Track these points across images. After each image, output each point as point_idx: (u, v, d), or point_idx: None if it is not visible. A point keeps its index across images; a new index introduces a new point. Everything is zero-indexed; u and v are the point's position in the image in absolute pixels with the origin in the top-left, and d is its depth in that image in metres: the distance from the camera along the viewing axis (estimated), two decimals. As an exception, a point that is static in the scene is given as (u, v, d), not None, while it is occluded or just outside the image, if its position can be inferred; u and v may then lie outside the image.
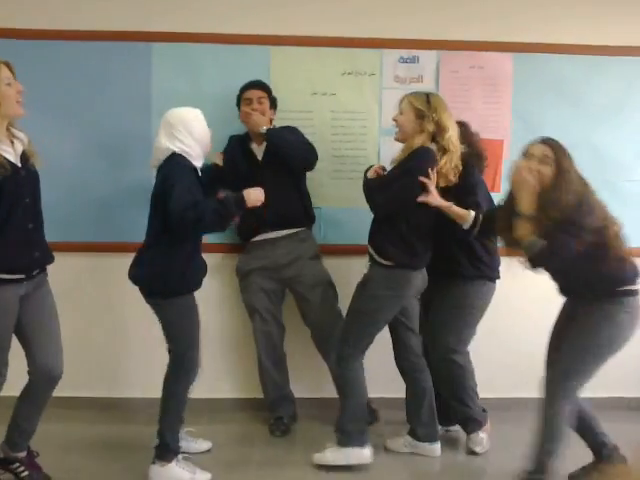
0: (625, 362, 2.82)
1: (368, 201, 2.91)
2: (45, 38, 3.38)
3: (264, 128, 3.16)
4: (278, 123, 3.38)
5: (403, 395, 3.15)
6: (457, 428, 3.28)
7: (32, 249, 2.52)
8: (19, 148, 2.49)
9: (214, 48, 3.44)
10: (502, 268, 3.12)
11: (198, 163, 2.78)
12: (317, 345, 3.35)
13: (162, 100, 3.35)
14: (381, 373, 3.22)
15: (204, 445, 3.11)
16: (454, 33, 3.50)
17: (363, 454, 2.93)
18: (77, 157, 3.43)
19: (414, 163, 2.80)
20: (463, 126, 3.04)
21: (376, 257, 2.87)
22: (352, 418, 2.92)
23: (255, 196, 2.74)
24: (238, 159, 3.29)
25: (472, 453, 3.12)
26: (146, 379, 3.25)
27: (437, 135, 2.82)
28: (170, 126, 2.72)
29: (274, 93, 3.34)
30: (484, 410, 3.18)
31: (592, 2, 3.54)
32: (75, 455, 3.02)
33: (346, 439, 2.92)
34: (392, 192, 2.81)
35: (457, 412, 3.15)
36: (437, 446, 3.09)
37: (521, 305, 3.56)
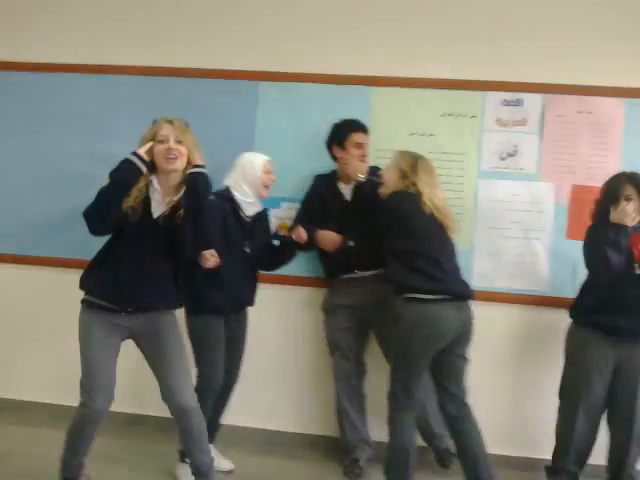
0: None
1: None
2: (166, 75, 3.62)
3: (362, 177, 3.16)
4: (374, 162, 3.39)
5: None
6: None
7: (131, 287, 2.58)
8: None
9: (317, 88, 3.52)
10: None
11: (249, 199, 3.05)
12: None
13: (265, 138, 3.50)
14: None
15: (226, 465, 3.15)
16: (561, 76, 3.40)
17: None
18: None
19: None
20: None
21: None
22: (388, 467, 2.90)
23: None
24: (328, 198, 3.33)
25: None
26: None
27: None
28: (233, 165, 3.10)
29: (373, 132, 3.36)
30: None
31: None
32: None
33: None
34: None
35: None
36: None
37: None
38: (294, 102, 3.55)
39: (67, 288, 3.63)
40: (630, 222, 2.88)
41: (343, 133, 3.30)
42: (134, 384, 3.33)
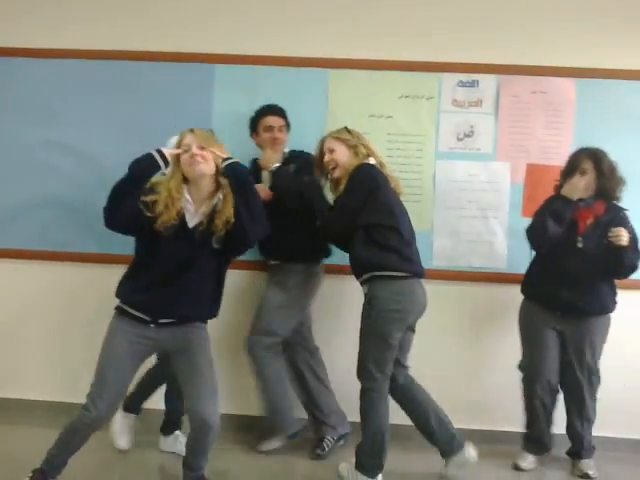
0: None
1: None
2: (118, 59, 3.53)
3: (274, 166, 3.15)
4: None
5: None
6: None
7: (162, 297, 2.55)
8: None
9: (273, 70, 3.49)
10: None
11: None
12: None
13: (222, 121, 3.45)
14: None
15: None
16: (515, 57, 3.46)
17: None
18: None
19: (356, 178, 2.86)
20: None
21: None
22: (368, 452, 2.86)
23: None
24: None
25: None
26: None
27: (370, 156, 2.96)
28: None
29: (332, 115, 3.38)
30: None
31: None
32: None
33: (360, 468, 2.88)
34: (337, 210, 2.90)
35: None
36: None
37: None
38: (251, 85, 3.51)
39: (23, 280, 3.62)
40: (577, 195, 2.99)
41: (256, 119, 3.29)
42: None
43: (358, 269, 2.90)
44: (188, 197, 2.56)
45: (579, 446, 3.19)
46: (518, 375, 3.22)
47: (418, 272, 2.87)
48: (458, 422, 3.05)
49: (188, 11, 3.53)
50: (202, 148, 2.53)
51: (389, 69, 3.50)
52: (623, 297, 3.16)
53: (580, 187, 3.00)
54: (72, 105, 3.55)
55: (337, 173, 2.96)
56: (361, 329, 2.85)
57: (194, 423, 2.57)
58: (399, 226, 2.84)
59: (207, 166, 2.53)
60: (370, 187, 2.84)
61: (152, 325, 2.56)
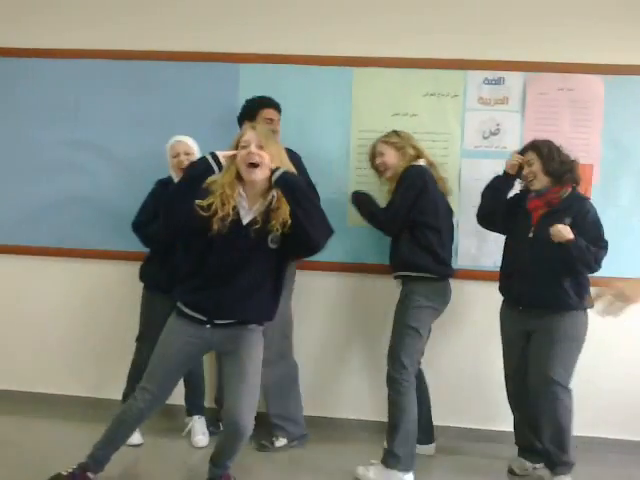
0: None
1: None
2: (142, 59, 3.57)
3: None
4: (358, 142, 3.46)
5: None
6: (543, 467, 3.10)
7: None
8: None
9: (298, 69, 3.49)
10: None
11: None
12: None
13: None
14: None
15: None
16: (542, 54, 3.41)
17: (406, 479, 2.92)
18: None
19: (407, 179, 3.02)
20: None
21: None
22: (403, 442, 2.92)
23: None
24: None
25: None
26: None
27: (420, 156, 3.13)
28: None
29: (356, 113, 3.37)
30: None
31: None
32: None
33: (394, 461, 2.92)
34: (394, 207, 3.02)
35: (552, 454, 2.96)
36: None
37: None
38: (276, 84, 3.50)
39: (49, 277, 3.68)
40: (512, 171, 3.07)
41: (254, 108, 3.26)
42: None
43: (397, 265, 3.09)
44: (243, 193, 2.53)
45: (546, 460, 3.00)
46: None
47: (449, 274, 3.09)
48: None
49: (211, 10, 3.55)
50: (261, 147, 2.49)
51: (414, 67, 3.48)
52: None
53: (511, 164, 3.06)
54: (96, 104, 3.60)
55: (388, 174, 3.14)
56: (396, 322, 3.03)
57: (228, 425, 2.58)
58: (440, 227, 3.03)
59: (262, 172, 2.47)
60: (418, 188, 3.00)
61: (208, 325, 2.55)
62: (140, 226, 3.19)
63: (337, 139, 3.50)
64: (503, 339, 3.11)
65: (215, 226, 2.47)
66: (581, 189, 3.12)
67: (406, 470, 2.91)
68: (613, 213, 3.35)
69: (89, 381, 3.69)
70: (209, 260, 2.51)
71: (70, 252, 3.65)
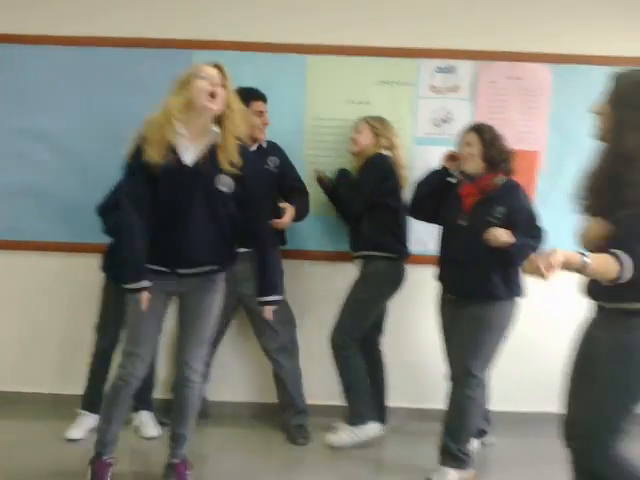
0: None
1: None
2: (93, 45, 3.51)
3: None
4: (312, 130, 3.49)
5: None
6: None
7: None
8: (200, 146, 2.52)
9: (251, 56, 3.50)
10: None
11: None
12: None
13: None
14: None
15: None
16: (492, 43, 3.49)
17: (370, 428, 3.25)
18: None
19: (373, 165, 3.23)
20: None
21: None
22: (359, 399, 3.22)
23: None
24: None
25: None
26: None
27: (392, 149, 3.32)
28: None
29: (310, 100, 3.42)
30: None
31: (632, 13, 3.47)
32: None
33: (357, 419, 3.21)
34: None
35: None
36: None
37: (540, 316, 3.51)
38: (230, 71, 3.49)
39: (8, 270, 3.63)
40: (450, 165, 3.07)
41: (244, 101, 3.26)
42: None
43: (360, 246, 3.28)
44: (182, 131, 2.49)
45: (440, 448, 2.95)
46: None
47: (408, 254, 3.32)
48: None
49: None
50: (224, 87, 2.49)
51: (367, 55, 3.51)
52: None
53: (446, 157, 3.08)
54: (48, 92, 3.53)
55: (355, 149, 3.31)
56: (351, 296, 3.24)
57: (177, 375, 2.68)
58: (400, 209, 3.24)
59: (218, 105, 2.46)
60: (383, 171, 3.22)
61: (173, 277, 2.58)
62: (108, 210, 3.03)
63: (291, 126, 3.52)
64: (439, 327, 3.09)
65: (156, 171, 2.45)
66: (526, 176, 3.21)
67: (368, 422, 3.22)
68: (558, 198, 3.45)
69: (48, 377, 3.66)
70: (158, 209, 2.49)
71: (17, 245, 3.59)
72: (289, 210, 3.17)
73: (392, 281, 3.26)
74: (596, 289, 2.07)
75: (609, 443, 2.01)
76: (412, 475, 2.97)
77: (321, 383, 3.49)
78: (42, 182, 3.55)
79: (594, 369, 2.05)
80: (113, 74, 3.52)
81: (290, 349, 3.37)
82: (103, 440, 2.66)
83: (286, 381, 3.35)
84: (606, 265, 1.90)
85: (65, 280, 3.59)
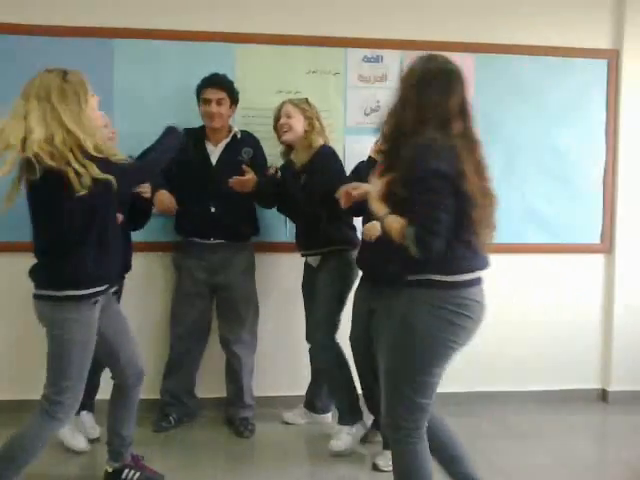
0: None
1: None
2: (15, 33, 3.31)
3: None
4: (243, 121, 3.42)
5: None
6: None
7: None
8: None
9: (178, 45, 3.40)
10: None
11: None
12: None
13: (124, 97, 3.35)
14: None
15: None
16: (418, 33, 3.54)
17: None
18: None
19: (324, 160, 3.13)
20: None
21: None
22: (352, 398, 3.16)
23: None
24: (193, 157, 3.15)
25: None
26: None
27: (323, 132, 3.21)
28: None
29: (240, 91, 3.29)
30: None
31: (552, 5, 3.63)
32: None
33: (355, 416, 3.13)
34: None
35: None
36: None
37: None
38: (152, 61, 3.40)
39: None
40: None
41: (198, 89, 3.23)
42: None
43: (321, 243, 3.14)
44: None
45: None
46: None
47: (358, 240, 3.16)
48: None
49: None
50: None
51: (293, 44, 3.49)
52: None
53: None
54: None
55: (289, 137, 3.14)
56: (325, 294, 3.12)
57: (133, 375, 2.62)
58: None
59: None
60: (339, 167, 3.18)
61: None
62: None
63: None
64: (353, 311, 3.11)
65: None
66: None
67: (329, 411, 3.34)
68: (486, 184, 3.58)
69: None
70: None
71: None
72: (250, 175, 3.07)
73: (354, 269, 3.12)
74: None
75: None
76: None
77: (271, 375, 3.51)
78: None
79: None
80: (22, 64, 3.21)
81: (249, 342, 3.32)
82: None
83: (240, 373, 3.29)
84: (397, 227, 2.01)
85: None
